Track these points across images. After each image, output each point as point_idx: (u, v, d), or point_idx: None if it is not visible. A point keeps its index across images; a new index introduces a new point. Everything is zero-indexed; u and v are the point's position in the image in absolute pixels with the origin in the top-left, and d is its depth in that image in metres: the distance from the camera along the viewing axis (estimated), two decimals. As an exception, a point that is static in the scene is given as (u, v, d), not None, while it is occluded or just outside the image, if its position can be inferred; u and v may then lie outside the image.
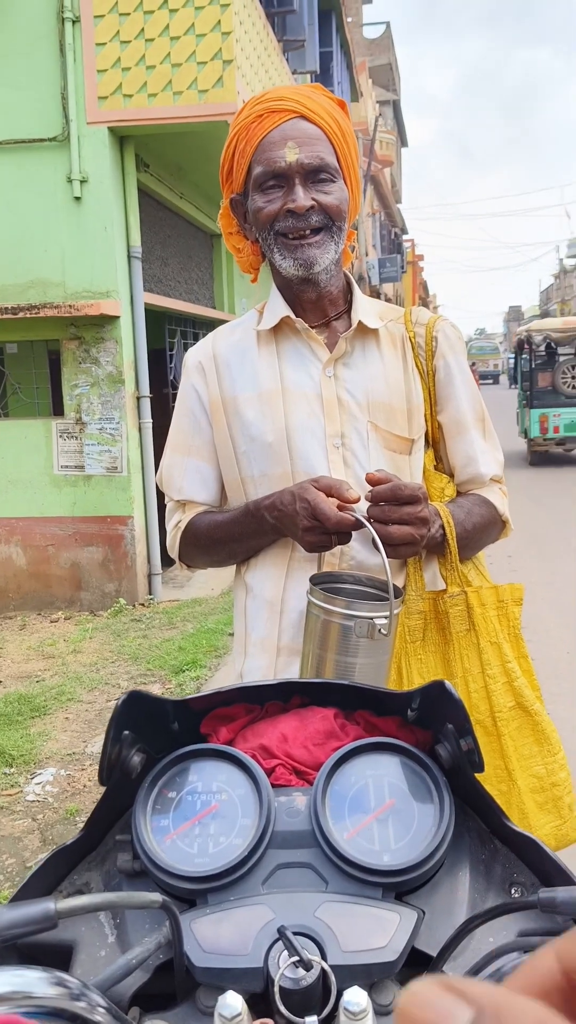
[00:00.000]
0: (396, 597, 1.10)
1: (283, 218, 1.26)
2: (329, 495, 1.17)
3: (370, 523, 1.14)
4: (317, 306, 1.36)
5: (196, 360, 1.42)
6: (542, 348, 13.99)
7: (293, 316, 1.34)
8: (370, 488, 1.16)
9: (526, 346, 13.68)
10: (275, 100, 1.26)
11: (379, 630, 1.08)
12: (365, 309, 1.36)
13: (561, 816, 1.27)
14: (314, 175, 1.25)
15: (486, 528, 1.37)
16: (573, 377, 13.68)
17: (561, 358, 13.92)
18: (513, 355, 16.03)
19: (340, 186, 1.29)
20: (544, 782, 1.27)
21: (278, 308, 1.36)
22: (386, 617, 1.08)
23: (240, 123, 1.28)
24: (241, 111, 1.29)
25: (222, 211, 1.40)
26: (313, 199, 1.25)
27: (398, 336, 1.37)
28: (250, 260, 1.42)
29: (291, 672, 1.32)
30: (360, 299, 1.38)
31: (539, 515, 8.96)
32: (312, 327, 1.35)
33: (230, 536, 1.36)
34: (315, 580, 1.17)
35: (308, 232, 1.26)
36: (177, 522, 1.45)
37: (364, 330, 1.35)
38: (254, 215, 1.30)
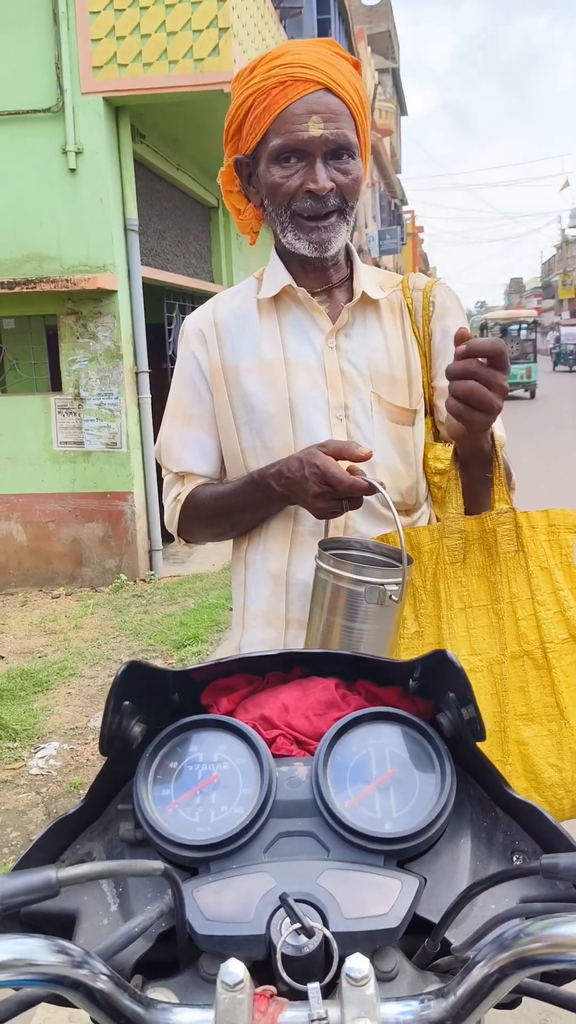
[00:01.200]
0: (408, 564, 1.09)
1: (301, 198, 1.23)
2: (339, 458, 1.14)
3: (382, 487, 1.11)
4: (320, 274, 1.34)
5: (196, 327, 1.39)
6: (496, 330, 24.01)
7: (295, 285, 1.32)
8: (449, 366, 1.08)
9: (486, 330, 22.80)
10: (301, 67, 1.20)
11: (390, 596, 1.07)
12: (367, 279, 1.34)
13: None
14: (334, 153, 1.22)
15: (506, 466, 1.29)
16: (512, 349, 21.70)
17: (507, 337, 23.66)
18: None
19: (357, 164, 1.26)
20: None
21: (279, 276, 1.33)
22: (397, 583, 1.07)
23: (258, 85, 1.22)
24: (256, 67, 1.24)
25: (224, 168, 1.36)
26: (332, 179, 1.22)
27: (396, 304, 1.35)
28: (251, 223, 1.39)
29: (300, 645, 1.31)
30: (361, 269, 1.35)
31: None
32: (313, 294, 1.33)
33: (233, 507, 1.33)
34: (324, 546, 1.16)
35: (325, 215, 1.24)
36: (176, 495, 1.41)
37: (366, 300, 1.32)
38: (269, 188, 1.26)
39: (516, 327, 24.73)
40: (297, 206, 1.24)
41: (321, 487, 1.14)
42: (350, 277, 1.36)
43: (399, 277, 1.39)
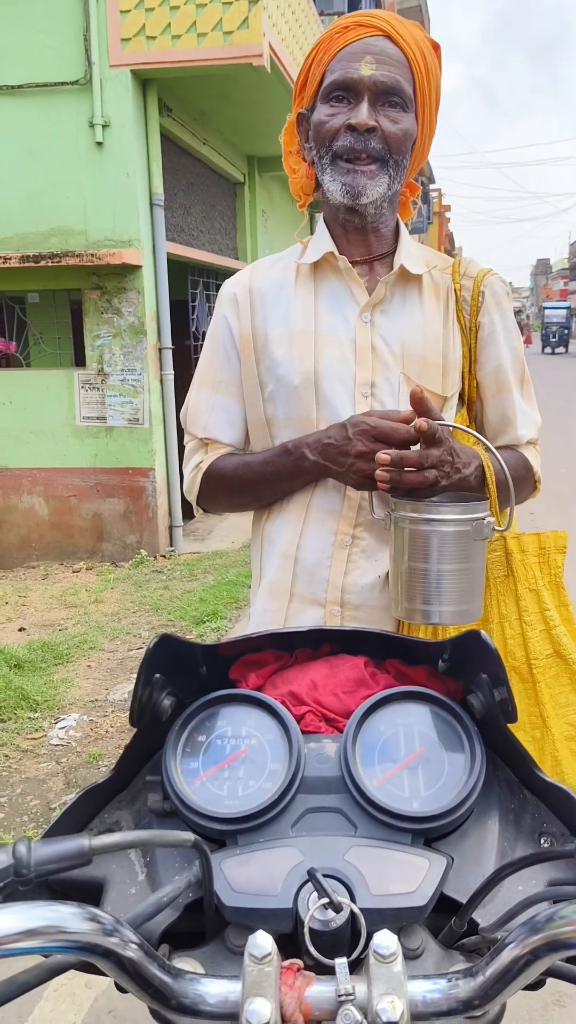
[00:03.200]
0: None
1: (343, 136, 1.21)
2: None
3: (443, 420, 1.13)
4: (362, 240, 1.30)
5: (231, 292, 1.37)
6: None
7: (337, 253, 1.29)
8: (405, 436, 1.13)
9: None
10: (366, 16, 1.22)
11: (492, 527, 1.10)
12: (410, 253, 1.31)
13: None
14: (385, 96, 1.20)
15: (520, 482, 1.32)
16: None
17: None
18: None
19: (409, 118, 1.23)
20: None
21: (323, 243, 1.31)
22: (487, 514, 1.09)
23: (324, 36, 1.24)
24: (331, 27, 1.26)
25: (286, 126, 1.34)
26: (377, 122, 1.20)
27: (443, 287, 1.32)
28: (303, 183, 1.35)
29: (303, 618, 1.31)
30: (406, 242, 1.32)
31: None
32: (354, 264, 1.30)
33: (261, 477, 1.32)
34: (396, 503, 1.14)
35: (364, 157, 1.21)
36: (198, 463, 1.39)
37: (407, 276, 1.29)
38: (315, 128, 1.25)
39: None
40: (338, 145, 1.22)
41: (368, 445, 1.15)
42: (396, 252, 1.32)
43: (450, 260, 1.36)
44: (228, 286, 1.38)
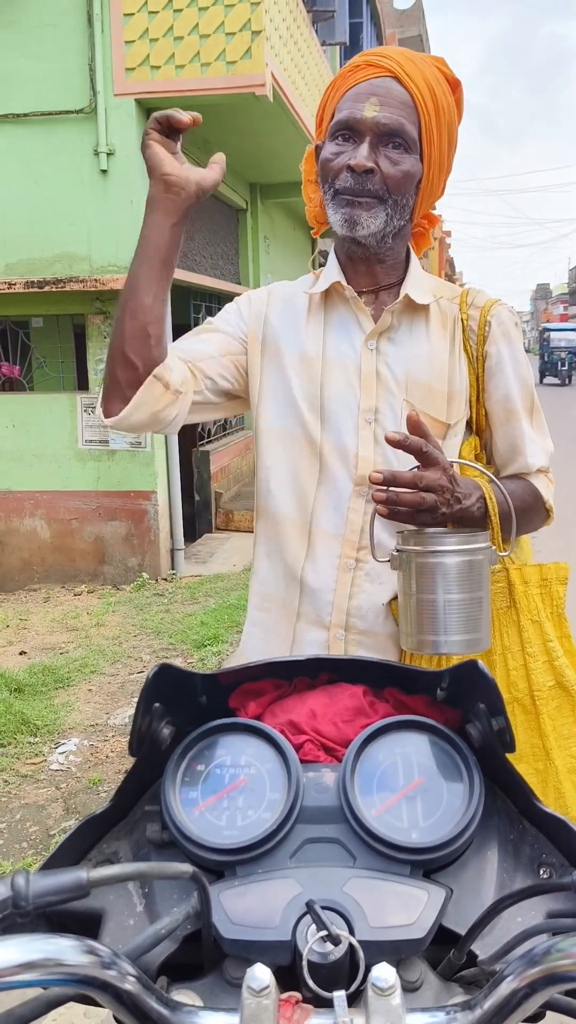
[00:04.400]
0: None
1: (343, 175, 1.24)
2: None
3: (439, 448, 1.14)
4: (368, 270, 1.33)
5: (248, 296, 1.42)
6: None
7: (344, 283, 1.31)
8: (401, 437, 1.11)
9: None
10: (376, 55, 1.25)
11: (496, 555, 1.11)
12: (417, 283, 1.33)
13: None
14: (387, 138, 1.22)
15: (527, 512, 1.32)
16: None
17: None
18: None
19: (412, 159, 1.25)
20: None
21: (331, 273, 1.34)
22: (489, 544, 1.10)
23: (339, 73, 1.29)
24: (345, 65, 1.30)
25: (306, 156, 1.38)
26: (376, 163, 1.22)
27: (450, 317, 1.33)
28: (317, 212, 1.38)
29: (308, 638, 1.31)
30: (415, 273, 1.34)
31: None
32: (361, 294, 1.32)
33: (133, 263, 1.27)
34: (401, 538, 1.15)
35: (363, 196, 1.24)
36: None
37: (413, 306, 1.31)
38: (321, 164, 1.29)
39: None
40: (339, 183, 1.25)
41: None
42: (403, 282, 1.34)
43: (458, 289, 1.37)
44: (247, 295, 1.42)
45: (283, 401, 1.32)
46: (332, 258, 1.36)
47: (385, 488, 1.11)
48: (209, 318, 1.43)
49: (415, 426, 1.11)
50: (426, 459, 1.12)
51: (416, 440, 1.10)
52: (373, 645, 1.29)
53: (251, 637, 1.41)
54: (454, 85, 1.28)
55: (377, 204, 1.24)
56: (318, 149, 1.33)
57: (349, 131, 1.24)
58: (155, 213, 1.24)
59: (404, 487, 1.11)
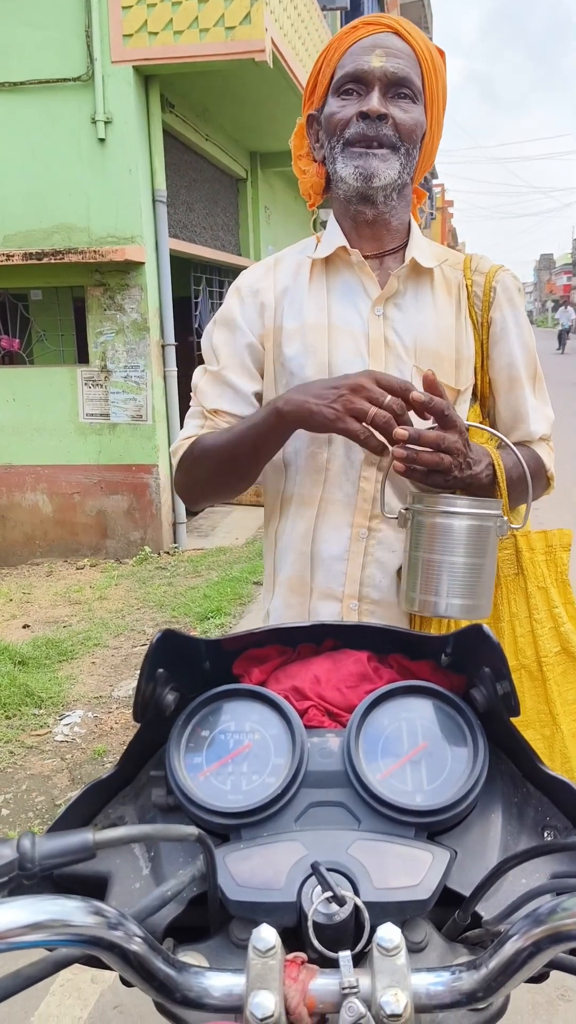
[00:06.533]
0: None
1: (354, 123, 1.23)
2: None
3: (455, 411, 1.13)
4: (373, 234, 1.31)
5: (253, 287, 1.35)
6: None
7: (349, 247, 1.30)
8: (427, 398, 1.09)
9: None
10: (373, 17, 1.26)
11: (507, 525, 1.13)
12: (421, 247, 1.32)
13: None
14: (396, 87, 1.22)
15: (532, 478, 1.30)
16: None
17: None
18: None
19: (419, 110, 1.25)
20: None
21: (335, 238, 1.32)
22: (499, 514, 1.11)
23: (333, 38, 1.28)
24: (340, 31, 1.29)
25: (296, 131, 1.36)
26: (388, 110, 1.22)
27: (455, 283, 1.32)
28: (313, 183, 1.36)
29: (322, 613, 1.31)
30: (417, 237, 1.33)
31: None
32: (366, 258, 1.30)
33: (235, 436, 1.26)
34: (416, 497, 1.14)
35: (376, 144, 1.23)
36: (197, 428, 1.33)
37: (418, 271, 1.30)
38: (326, 120, 1.27)
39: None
40: (350, 133, 1.23)
41: (366, 382, 1.11)
42: (407, 247, 1.33)
43: (461, 255, 1.36)
44: (248, 280, 1.37)
45: (291, 372, 1.31)
46: (333, 223, 1.34)
47: (407, 447, 1.10)
48: (214, 364, 1.35)
49: (432, 386, 1.10)
50: (446, 421, 1.11)
51: (440, 402, 1.10)
52: (386, 615, 1.29)
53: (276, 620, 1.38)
54: (440, 53, 1.29)
55: (391, 154, 1.23)
56: (311, 119, 1.32)
57: (356, 83, 1.23)
58: (291, 428, 1.20)
59: (426, 446, 1.10)
